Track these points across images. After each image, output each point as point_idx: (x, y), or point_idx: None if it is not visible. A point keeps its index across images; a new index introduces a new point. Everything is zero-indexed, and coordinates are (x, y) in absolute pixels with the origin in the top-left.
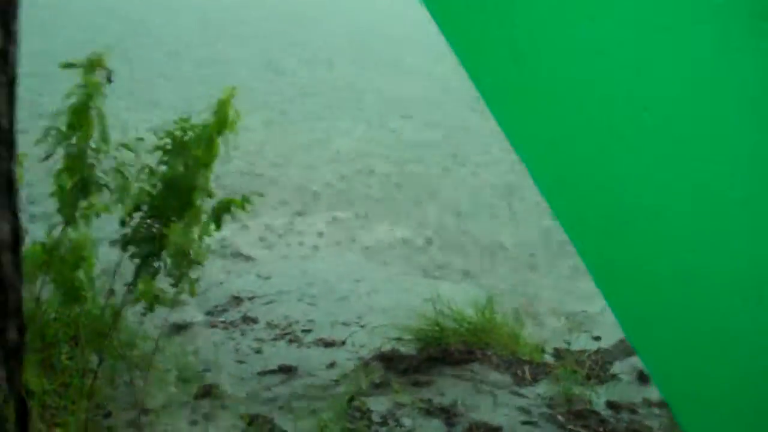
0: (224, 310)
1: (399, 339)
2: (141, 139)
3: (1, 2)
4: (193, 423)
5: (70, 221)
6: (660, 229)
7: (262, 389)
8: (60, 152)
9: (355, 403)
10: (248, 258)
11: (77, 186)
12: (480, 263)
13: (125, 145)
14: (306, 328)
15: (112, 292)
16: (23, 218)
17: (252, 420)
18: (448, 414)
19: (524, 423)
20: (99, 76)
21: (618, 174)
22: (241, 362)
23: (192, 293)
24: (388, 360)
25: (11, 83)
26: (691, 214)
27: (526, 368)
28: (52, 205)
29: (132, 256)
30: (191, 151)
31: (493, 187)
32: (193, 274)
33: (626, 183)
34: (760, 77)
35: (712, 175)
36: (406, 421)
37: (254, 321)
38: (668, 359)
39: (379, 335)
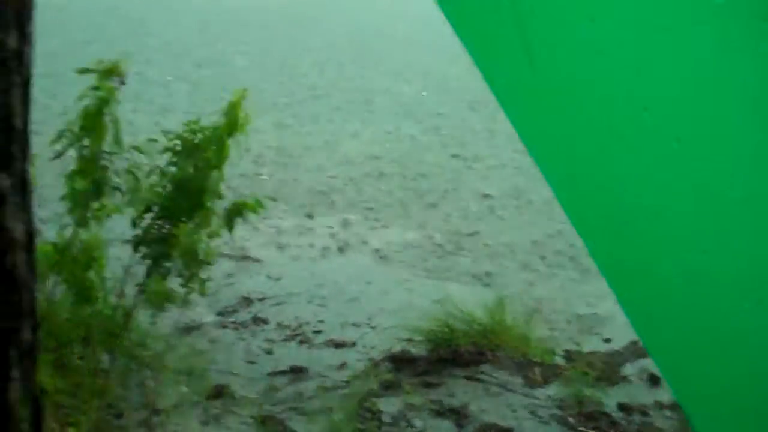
0: (235, 311)
1: (409, 340)
2: (154, 140)
3: (16, 4)
4: (204, 423)
5: (81, 223)
6: (660, 230)
7: (273, 390)
8: (71, 154)
9: (366, 403)
10: (258, 259)
11: (90, 188)
12: (490, 265)
13: (137, 148)
14: (316, 329)
15: (123, 292)
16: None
17: (263, 420)
18: (458, 415)
19: (535, 424)
20: (114, 81)
21: (618, 174)
22: (251, 363)
23: (202, 292)
24: (399, 361)
25: (26, 84)
26: (692, 215)
27: (537, 370)
28: (61, 207)
29: (143, 257)
30: (202, 153)
31: (501, 189)
32: (203, 274)
33: (626, 183)
34: (760, 78)
35: (712, 175)
36: (417, 422)
37: (265, 322)
38: (680, 360)
39: (390, 336)
